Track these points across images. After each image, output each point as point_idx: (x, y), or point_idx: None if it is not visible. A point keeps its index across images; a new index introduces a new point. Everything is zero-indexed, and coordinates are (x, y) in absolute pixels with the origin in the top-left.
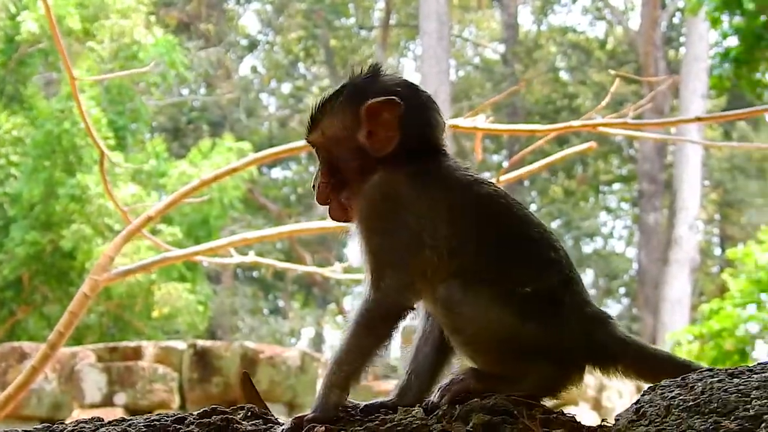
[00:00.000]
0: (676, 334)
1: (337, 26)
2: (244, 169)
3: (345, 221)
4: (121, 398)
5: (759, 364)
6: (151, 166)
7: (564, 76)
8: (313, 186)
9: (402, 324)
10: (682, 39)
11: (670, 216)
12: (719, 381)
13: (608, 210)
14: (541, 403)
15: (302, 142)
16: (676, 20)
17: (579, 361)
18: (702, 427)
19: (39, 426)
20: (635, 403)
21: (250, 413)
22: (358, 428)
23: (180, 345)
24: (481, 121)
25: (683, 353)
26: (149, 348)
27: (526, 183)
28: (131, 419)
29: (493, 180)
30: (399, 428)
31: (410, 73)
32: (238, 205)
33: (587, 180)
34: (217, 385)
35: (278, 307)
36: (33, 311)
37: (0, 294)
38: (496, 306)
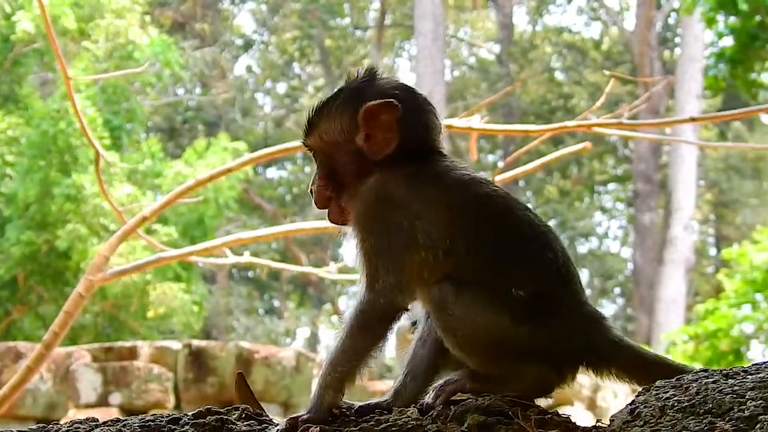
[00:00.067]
0: (671, 334)
1: (332, 26)
2: (239, 169)
3: (344, 224)
4: (116, 398)
5: (754, 364)
6: (146, 165)
7: (559, 76)
8: (310, 190)
9: (397, 325)
10: (677, 39)
11: (665, 216)
12: (714, 382)
13: (603, 210)
14: (536, 403)
15: (297, 142)
16: (671, 21)
17: (573, 362)
18: (697, 427)
19: (34, 426)
20: (630, 404)
21: (245, 414)
22: (353, 429)
23: (175, 345)
24: (476, 122)
25: (678, 353)
26: (144, 348)
27: (522, 183)
28: (126, 419)
29: None
30: (394, 429)
31: (405, 74)
32: (234, 205)
33: (582, 180)
34: (212, 386)
35: (273, 307)
36: (28, 311)
37: None
38: (491, 307)
